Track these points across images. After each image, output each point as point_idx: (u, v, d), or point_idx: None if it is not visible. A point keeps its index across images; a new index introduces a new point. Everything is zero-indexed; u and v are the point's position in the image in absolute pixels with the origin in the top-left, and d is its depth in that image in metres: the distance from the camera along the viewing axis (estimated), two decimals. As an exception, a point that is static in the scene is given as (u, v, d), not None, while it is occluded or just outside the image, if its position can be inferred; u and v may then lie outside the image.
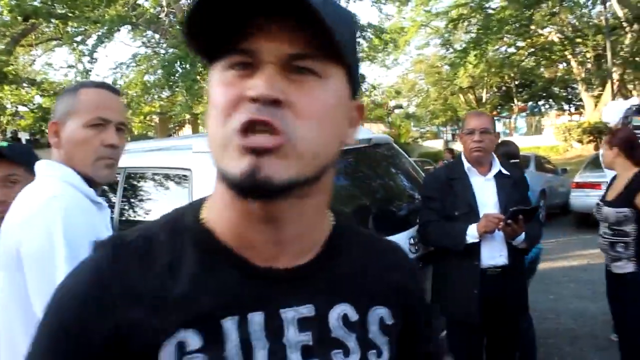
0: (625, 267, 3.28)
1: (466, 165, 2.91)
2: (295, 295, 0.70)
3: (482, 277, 2.79)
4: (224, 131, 0.62)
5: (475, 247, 2.78)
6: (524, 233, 2.75)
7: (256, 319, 0.67)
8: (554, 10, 22.12)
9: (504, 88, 35.55)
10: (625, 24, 21.18)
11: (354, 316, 0.74)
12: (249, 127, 0.60)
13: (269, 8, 0.61)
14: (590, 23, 24.22)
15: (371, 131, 3.56)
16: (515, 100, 35.00)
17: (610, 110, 4.78)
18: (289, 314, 0.69)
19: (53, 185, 1.44)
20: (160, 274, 0.66)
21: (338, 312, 0.73)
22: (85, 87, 1.55)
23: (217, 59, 0.66)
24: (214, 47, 0.65)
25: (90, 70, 15.56)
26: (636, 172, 3.25)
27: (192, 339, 0.63)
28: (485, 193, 2.87)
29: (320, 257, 0.73)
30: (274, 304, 0.68)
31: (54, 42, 20.28)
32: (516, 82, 33.83)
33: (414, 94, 38.51)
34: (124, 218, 3.10)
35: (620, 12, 20.92)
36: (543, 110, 37.57)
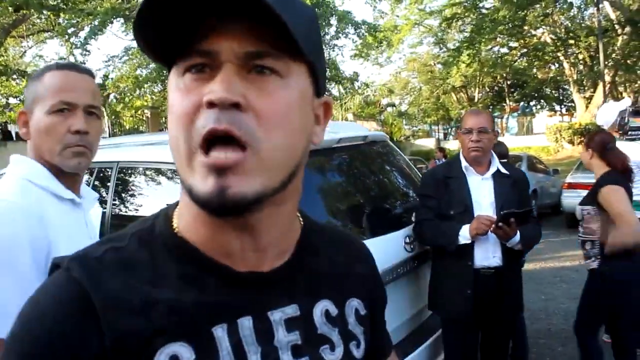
0: (591, 265, 3.32)
1: (463, 164, 2.89)
2: (279, 296, 0.70)
3: (476, 277, 2.78)
4: (185, 144, 0.60)
5: (469, 248, 2.77)
6: (519, 234, 2.73)
7: (245, 323, 0.66)
8: (547, 11, 22.20)
9: (496, 88, 35.68)
10: (617, 27, 21.29)
11: (334, 311, 0.75)
12: (211, 141, 0.58)
13: (223, 7, 0.58)
14: (583, 25, 24.35)
15: (367, 128, 3.51)
16: (507, 100, 35.12)
17: (604, 112, 4.78)
18: (277, 316, 0.69)
19: (7, 186, 1.35)
20: (141, 286, 0.63)
21: (320, 308, 0.74)
22: (50, 70, 1.42)
23: (174, 63, 0.63)
24: (169, 51, 0.62)
25: (83, 63, 15.40)
26: (605, 171, 3.29)
27: (184, 351, 0.61)
28: (482, 192, 2.85)
29: (296, 257, 0.73)
30: (260, 307, 0.68)
31: (46, 34, 20.10)
32: (508, 82, 33.96)
33: (406, 92, 38.54)
34: (116, 213, 3.04)
35: (612, 15, 21.03)
36: (534, 110, 37.72)
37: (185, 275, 0.65)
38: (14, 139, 17.57)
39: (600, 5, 19.68)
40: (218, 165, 0.57)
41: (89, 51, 15.69)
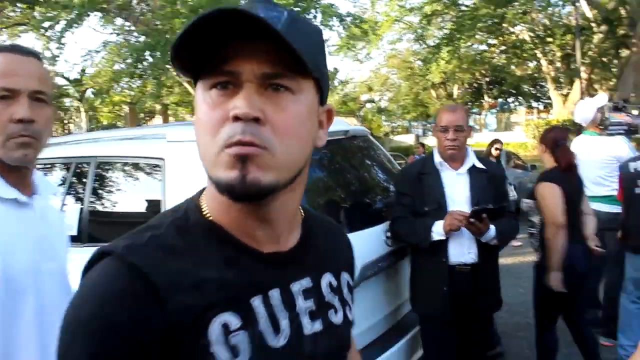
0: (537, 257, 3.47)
1: (437, 159, 2.87)
2: (296, 272, 0.85)
3: (452, 274, 2.77)
4: (213, 147, 0.72)
5: (443, 245, 2.75)
6: (493, 230, 2.72)
7: (275, 295, 0.80)
8: (526, 8, 22.40)
9: (475, 85, 35.96)
10: (593, 25, 21.57)
11: (334, 282, 0.92)
12: (236, 144, 0.70)
13: (244, 34, 0.71)
14: (560, 23, 24.63)
15: (348, 123, 3.51)
16: (486, 97, 35.43)
17: (581, 109, 4.82)
18: (296, 287, 0.84)
19: None
20: (190, 267, 0.74)
21: (325, 280, 0.91)
22: None
23: (200, 77, 0.75)
24: (198, 67, 0.74)
25: (58, 57, 15.15)
26: (549, 168, 3.45)
27: (233, 320, 0.74)
28: (457, 188, 2.83)
29: (304, 239, 0.89)
30: (284, 281, 0.83)
31: (20, 28, 19.72)
32: (487, 79, 34.25)
33: (386, 88, 38.66)
34: (94, 208, 3.00)
35: (589, 13, 21.30)
36: (513, 107, 38.13)
37: (225, 257, 0.78)
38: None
39: (577, 4, 19.93)
40: (241, 154, 0.70)
41: (63, 44, 15.45)
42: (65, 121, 26.66)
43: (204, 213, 0.81)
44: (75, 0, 13.28)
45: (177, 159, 2.67)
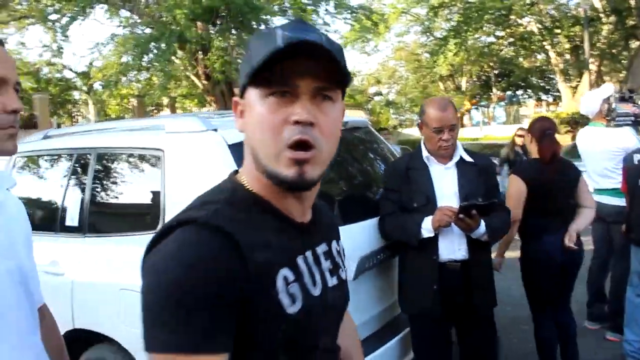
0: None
1: (424, 153, 2.79)
2: (316, 238, 1.07)
3: (442, 271, 2.69)
4: (274, 144, 0.91)
5: (433, 241, 2.67)
6: (484, 225, 2.64)
7: (309, 255, 1.02)
8: (532, 0, 22.22)
9: (483, 77, 35.75)
10: (602, 16, 21.37)
11: (337, 247, 1.15)
12: (296, 144, 0.90)
13: (302, 53, 0.88)
14: (569, 14, 24.40)
15: (347, 115, 3.48)
16: (494, 90, 35.23)
17: (586, 101, 4.75)
18: (319, 250, 1.06)
19: None
20: (255, 231, 0.92)
21: (333, 246, 1.13)
22: None
23: (255, 85, 0.93)
24: (259, 77, 0.91)
25: (62, 49, 15.15)
26: (528, 159, 3.55)
27: (289, 274, 0.94)
28: (445, 182, 2.75)
29: (315, 213, 1.09)
30: (312, 245, 1.05)
31: (28, 21, 19.77)
32: (495, 72, 34.04)
33: (393, 81, 38.51)
34: (94, 199, 3.00)
35: (598, 4, 21.09)
36: (521, 100, 37.88)
37: (277, 226, 0.97)
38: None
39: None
40: (299, 158, 0.90)
41: (67, 36, 15.45)
42: (73, 114, 26.75)
43: (249, 189, 0.99)
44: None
45: (175, 150, 2.66)
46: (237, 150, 2.31)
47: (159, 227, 2.48)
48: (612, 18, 20.86)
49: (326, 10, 17.78)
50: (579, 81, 23.39)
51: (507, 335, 4.36)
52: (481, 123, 35.92)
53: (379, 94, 40.39)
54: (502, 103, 37.11)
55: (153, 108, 28.67)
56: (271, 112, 0.90)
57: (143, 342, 0.83)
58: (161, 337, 0.81)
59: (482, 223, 2.64)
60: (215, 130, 2.60)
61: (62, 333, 2.77)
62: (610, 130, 4.61)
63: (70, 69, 22.47)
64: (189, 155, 2.63)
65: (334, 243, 1.13)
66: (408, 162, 2.86)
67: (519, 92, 37.13)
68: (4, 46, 1.28)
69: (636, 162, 3.68)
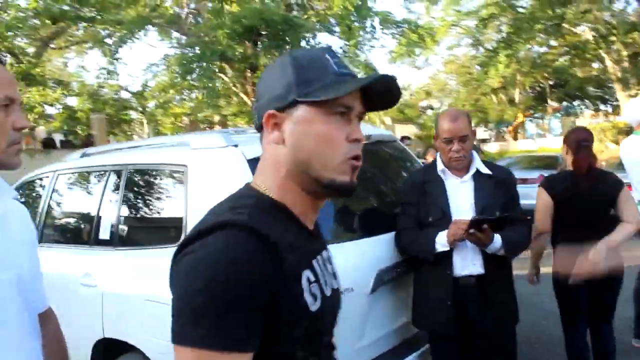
0: None
1: (440, 167, 2.75)
2: (320, 245, 1.16)
3: (456, 286, 2.63)
4: (336, 156, 1.03)
5: (447, 256, 2.62)
6: (499, 240, 2.57)
7: (319, 259, 1.10)
8: (586, 8, 21.58)
9: (537, 88, 34.89)
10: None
11: (330, 255, 1.21)
12: (356, 157, 1.05)
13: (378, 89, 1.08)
14: (627, 20, 23.56)
15: (373, 127, 3.50)
16: (549, 101, 34.31)
17: (630, 109, 4.59)
18: (324, 255, 1.15)
19: None
20: (282, 234, 0.98)
21: (329, 253, 1.20)
22: None
23: (319, 104, 1.03)
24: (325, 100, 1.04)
25: (115, 71, 15.81)
26: (560, 171, 3.46)
27: (310, 275, 1.02)
28: (461, 196, 2.69)
29: (315, 223, 1.16)
30: (319, 250, 1.13)
31: (86, 45, 20.72)
32: (550, 82, 33.17)
33: (444, 94, 38.10)
34: (125, 214, 3.12)
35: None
36: (578, 111, 36.72)
37: (296, 230, 1.06)
38: (58, 146, 18.16)
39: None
40: (356, 166, 1.05)
41: (116, 59, 16.10)
42: (129, 133, 27.75)
43: (270, 196, 1.06)
44: (127, 16, 13.88)
45: (198, 165, 2.74)
46: (254, 164, 2.35)
47: (181, 239, 2.57)
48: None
49: (372, 25, 17.79)
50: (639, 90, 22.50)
51: (546, 352, 4.22)
52: (535, 135, 35.03)
53: (431, 107, 40.01)
54: (558, 114, 36.07)
55: (205, 126, 29.41)
56: (336, 129, 1.03)
57: (172, 336, 0.88)
58: (192, 332, 0.86)
59: (498, 237, 2.58)
60: (236, 145, 2.66)
61: (93, 342, 2.94)
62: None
63: (126, 90, 23.36)
64: (211, 170, 2.71)
65: (329, 251, 1.22)
66: (424, 176, 2.83)
67: (575, 102, 36.02)
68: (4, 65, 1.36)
69: None
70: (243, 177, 2.48)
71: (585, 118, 34.83)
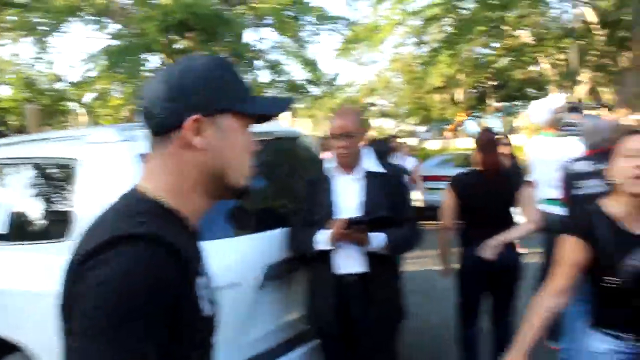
0: None
1: (330, 165, 2.77)
2: (200, 246, 1.15)
3: (340, 285, 2.65)
4: (248, 162, 1.12)
5: (330, 254, 2.64)
6: (382, 239, 2.60)
7: (203, 263, 1.12)
8: (523, 13, 22.26)
9: (479, 88, 35.73)
10: (594, 28, 21.39)
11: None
12: None
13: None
14: (564, 27, 24.41)
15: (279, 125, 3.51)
16: (490, 101, 35.20)
17: (535, 110, 4.79)
18: (204, 257, 1.17)
19: None
20: (181, 242, 0.98)
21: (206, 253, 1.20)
22: None
23: (240, 115, 1.08)
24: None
25: (42, 59, 15.40)
26: (471, 170, 3.66)
27: (203, 281, 1.05)
28: (349, 194, 2.70)
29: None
30: (201, 253, 1.14)
31: (22, 32, 19.89)
32: (492, 83, 34.01)
33: (388, 92, 38.55)
34: (16, 209, 3.03)
35: (590, 17, 21.12)
36: (517, 110, 37.80)
37: (188, 236, 1.06)
38: None
39: (578, 10, 19.74)
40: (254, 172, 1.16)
41: (45, 48, 15.64)
42: (66, 124, 26.87)
43: (162, 201, 1.03)
44: (56, 4, 13.48)
45: (90, 160, 2.69)
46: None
47: (71, 233, 2.52)
48: (604, 31, 20.88)
49: (309, 21, 17.90)
50: (572, 93, 23.36)
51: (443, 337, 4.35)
52: (476, 134, 35.81)
53: (373, 104, 40.37)
54: (498, 114, 37.02)
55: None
56: (250, 139, 1.10)
57: (76, 354, 0.86)
58: (104, 351, 0.83)
59: (379, 237, 2.60)
60: (129, 140, 2.62)
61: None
62: (560, 141, 4.64)
63: (61, 80, 22.60)
64: (101, 164, 2.66)
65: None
66: (316, 174, 2.84)
67: (516, 103, 37.06)
68: None
69: (572, 171, 3.68)
70: (134, 172, 2.45)
71: (525, 118, 35.88)
